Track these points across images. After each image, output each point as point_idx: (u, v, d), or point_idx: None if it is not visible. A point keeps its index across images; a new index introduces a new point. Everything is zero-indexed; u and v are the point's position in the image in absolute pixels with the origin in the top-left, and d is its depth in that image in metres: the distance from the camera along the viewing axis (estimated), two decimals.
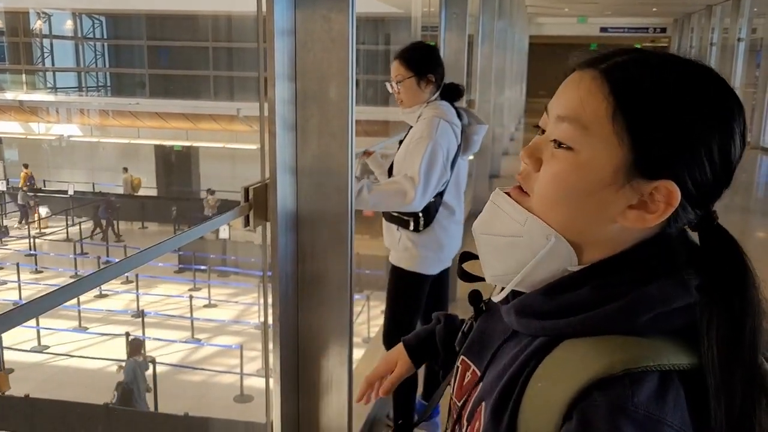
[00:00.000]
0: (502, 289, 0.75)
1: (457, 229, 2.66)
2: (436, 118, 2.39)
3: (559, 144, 0.67)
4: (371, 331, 9.21)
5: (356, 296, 12.88)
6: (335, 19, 1.56)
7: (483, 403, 0.71)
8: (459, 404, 0.80)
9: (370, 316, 9.85)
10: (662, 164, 0.64)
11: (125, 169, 19.13)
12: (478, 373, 0.78)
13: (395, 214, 2.49)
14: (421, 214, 2.44)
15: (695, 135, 0.64)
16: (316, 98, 1.60)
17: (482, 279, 0.80)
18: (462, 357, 0.83)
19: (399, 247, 2.54)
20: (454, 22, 4.07)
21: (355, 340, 5.47)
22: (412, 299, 2.57)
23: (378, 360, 1.09)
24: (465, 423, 0.75)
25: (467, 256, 0.86)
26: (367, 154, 2.69)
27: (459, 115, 2.53)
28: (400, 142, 2.56)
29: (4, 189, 20.39)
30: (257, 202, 1.55)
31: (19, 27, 21.95)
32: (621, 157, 0.64)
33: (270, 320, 1.64)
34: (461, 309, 1.06)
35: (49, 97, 20.62)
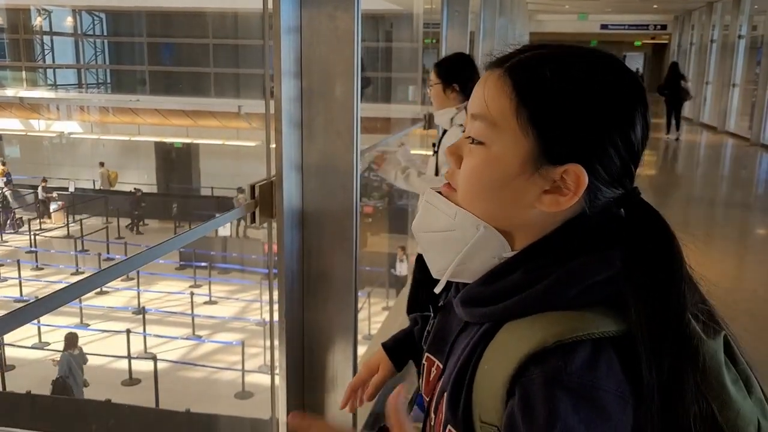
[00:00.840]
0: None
1: None
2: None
3: (473, 140, 0.73)
4: (373, 328, 9.23)
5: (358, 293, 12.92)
6: (341, 17, 1.57)
7: (445, 393, 0.74)
8: (427, 399, 0.83)
9: (371, 312, 9.87)
10: (566, 151, 0.69)
11: (101, 164, 19.32)
12: (441, 367, 0.81)
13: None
14: None
15: (595, 125, 0.69)
16: (322, 96, 1.61)
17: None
18: (426, 354, 0.86)
19: None
20: (455, 20, 4.08)
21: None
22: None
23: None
24: (433, 416, 0.78)
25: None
26: (378, 161, 2.99)
27: None
28: (434, 144, 2.92)
29: (3, 186, 20.41)
30: (263, 200, 1.56)
31: (19, 24, 21.92)
32: (528, 148, 0.69)
33: (275, 317, 1.64)
34: None
35: (49, 94, 20.60)
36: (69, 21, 21.74)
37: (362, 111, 1.64)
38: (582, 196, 0.70)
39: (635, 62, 23.64)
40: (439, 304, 0.89)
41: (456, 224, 0.74)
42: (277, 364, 1.67)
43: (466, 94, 2.74)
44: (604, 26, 22.05)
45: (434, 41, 3.74)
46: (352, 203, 1.66)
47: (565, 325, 0.66)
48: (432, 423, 0.78)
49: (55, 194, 18.07)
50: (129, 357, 10.41)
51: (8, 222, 17.60)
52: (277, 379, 1.69)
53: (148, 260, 1.38)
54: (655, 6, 20.74)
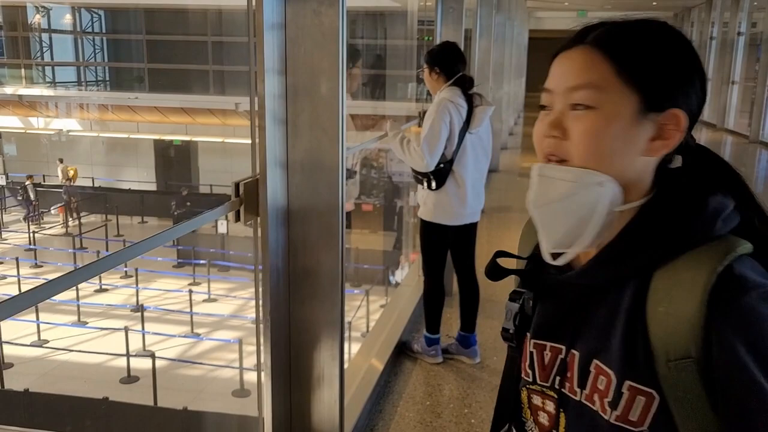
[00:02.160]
0: (556, 257, 0.83)
1: (469, 194, 3.25)
2: (443, 99, 3.11)
3: (579, 108, 0.79)
4: (371, 326, 9.22)
5: (355, 291, 12.91)
6: (325, 13, 1.56)
7: (595, 361, 0.80)
8: (548, 384, 0.87)
9: (369, 310, 9.86)
10: (666, 98, 0.79)
11: (60, 160, 19.39)
12: (560, 347, 0.86)
13: (415, 174, 3.24)
14: (432, 176, 3.16)
15: (682, 74, 0.81)
16: (307, 93, 1.59)
17: (514, 272, 0.93)
18: (533, 341, 0.89)
19: (422, 202, 3.29)
20: (450, 16, 4.06)
21: (354, 334, 5.49)
22: (432, 242, 3.34)
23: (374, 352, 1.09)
24: (578, 390, 0.83)
25: (501, 254, 0.94)
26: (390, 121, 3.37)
27: (472, 98, 3.19)
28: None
29: (4, 183, 20.40)
30: (248, 197, 1.55)
31: (18, 21, 21.88)
32: (635, 101, 0.78)
33: (261, 315, 1.63)
34: (456, 302, 1.06)
35: (48, 92, 20.57)
36: (67, 18, 21.69)
37: (357, 108, 1.62)
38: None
39: None
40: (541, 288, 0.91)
41: (578, 186, 0.79)
42: (263, 362, 1.66)
43: (447, 75, 3.17)
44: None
45: (429, 39, 3.73)
46: (337, 200, 1.65)
47: (727, 247, 0.74)
48: (578, 397, 0.82)
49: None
50: (128, 355, 10.39)
51: (30, 216, 17.54)
52: (263, 377, 1.68)
53: (137, 254, 1.37)
54: (654, 3, 20.70)
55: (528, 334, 0.91)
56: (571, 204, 0.80)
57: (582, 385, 0.82)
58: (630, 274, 0.79)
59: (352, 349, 4.88)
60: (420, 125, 3.59)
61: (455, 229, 3.30)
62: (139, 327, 11.42)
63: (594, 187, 0.79)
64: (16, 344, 11.21)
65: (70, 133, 21.28)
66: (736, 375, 0.70)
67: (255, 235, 1.60)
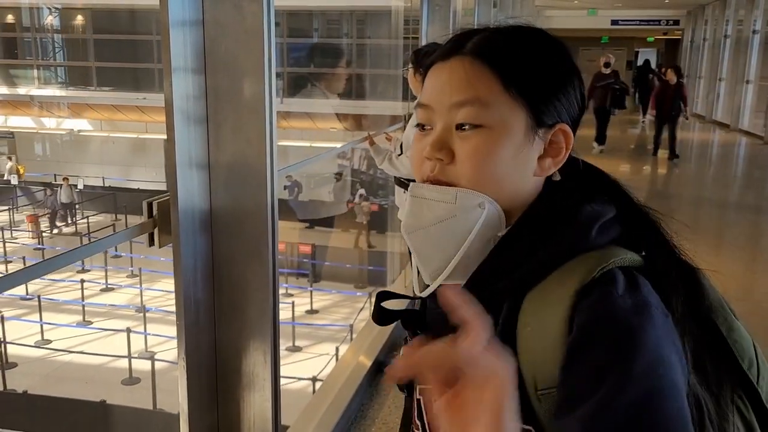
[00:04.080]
0: (425, 287, 0.76)
1: None
2: None
3: (464, 127, 0.72)
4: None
5: (358, 293, 12.77)
6: (248, 8, 1.41)
7: None
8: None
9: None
10: (553, 112, 0.74)
11: (9, 158, 19.71)
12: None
13: (402, 180, 3.18)
14: None
15: (565, 82, 0.76)
16: (229, 95, 1.45)
17: (401, 315, 0.82)
18: (420, 386, 0.80)
19: (402, 204, 3.04)
20: (436, 15, 3.92)
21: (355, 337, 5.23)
22: None
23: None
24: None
25: (385, 295, 0.83)
26: (369, 141, 3.32)
27: None
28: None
29: (16, 183, 20.57)
30: (163, 218, 1.41)
31: (31, 23, 22.08)
32: (523, 118, 0.73)
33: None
34: None
35: (60, 92, 20.71)
36: (80, 19, 21.83)
37: (342, 108, 1.48)
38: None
39: (648, 59, 23.21)
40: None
41: (456, 208, 0.71)
42: (181, 402, 1.51)
43: None
44: (614, 22, 21.57)
45: (415, 38, 3.61)
46: (265, 213, 1.50)
47: (600, 258, 0.68)
48: None
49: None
50: (129, 356, 10.37)
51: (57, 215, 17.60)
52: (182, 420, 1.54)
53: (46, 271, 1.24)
54: (666, 0, 20.37)
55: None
56: (449, 228, 0.72)
57: None
58: (501, 298, 0.71)
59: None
60: (404, 129, 3.52)
61: None
62: (142, 328, 11.38)
63: (474, 210, 0.71)
64: (20, 344, 11.22)
65: (80, 133, 21.42)
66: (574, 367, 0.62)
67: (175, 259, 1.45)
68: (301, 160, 2.80)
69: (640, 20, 22.79)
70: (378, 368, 3.33)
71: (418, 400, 0.80)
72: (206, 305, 1.52)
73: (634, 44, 26.04)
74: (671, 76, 11.32)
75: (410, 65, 3.20)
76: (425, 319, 0.79)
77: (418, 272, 0.78)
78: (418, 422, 0.80)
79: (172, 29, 1.30)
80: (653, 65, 25.33)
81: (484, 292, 0.70)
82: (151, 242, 1.41)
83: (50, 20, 22.12)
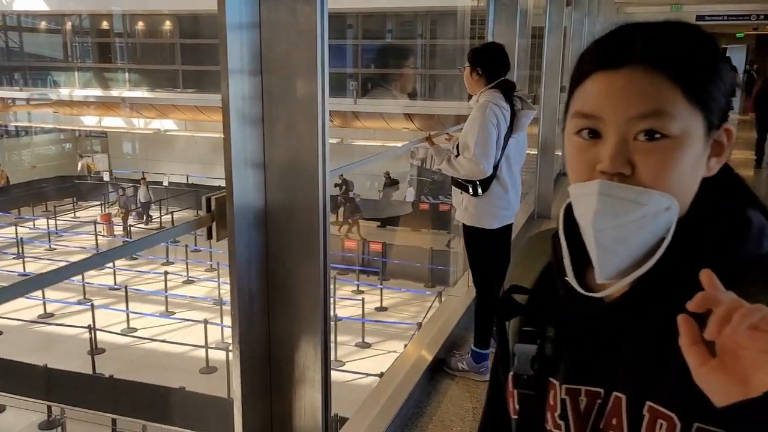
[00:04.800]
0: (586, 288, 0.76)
1: (511, 197, 3.24)
2: (486, 102, 3.04)
3: (651, 136, 0.71)
4: None
5: (427, 292, 12.74)
6: (302, 11, 1.46)
7: (648, 403, 0.72)
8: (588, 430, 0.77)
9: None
10: (723, 114, 0.75)
11: (80, 156, 21.10)
12: (599, 390, 0.77)
13: (460, 180, 3.17)
14: (479, 183, 3.11)
15: (729, 83, 0.75)
16: (283, 96, 1.51)
17: (525, 310, 0.84)
18: (566, 386, 0.79)
19: (461, 207, 3.25)
20: (503, 14, 3.87)
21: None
22: (479, 246, 3.28)
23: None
24: None
25: (516, 289, 0.86)
26: (429, 142, 3.35)
27: (513, 101, 3.14)
28: None
29: (108, 180, 21.76)
30: (220, 213, 1.48)
31: (123, 28, 23.27)
32: (701, 124, 0.73)
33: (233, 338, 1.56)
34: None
35: (148, 94, 21.72)
36: (168, 25, 22.80)
37: (414, 108, 1.51)
38: None
39: (738, 56, 21.98)
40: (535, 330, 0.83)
41: (649, 209, 0.72)
42: (235, 390, 1.58)
43: (488, 78, 3.11)
44: (700, 17, 20.48)
45: (498, 45, 3.57)
46: (318, 210, 1.55)
47: None
48: None
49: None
50: (206, 346, 10.77)
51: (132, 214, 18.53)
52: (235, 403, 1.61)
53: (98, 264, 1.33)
54: None
55: (552, 380, 0.80)
56: (640, 227, 0.72)
57: (637, 427, 0.73)
58: (678, 303, 0.69)
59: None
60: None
61: (496, 231, 3.25)
62: (218, 320, 11.78)
63: (662, 212, 0.72)
64: (108, 331, 11.85)
65: (166, 133, 22.39)
66: None
67: (230, 254, 1.52)
68: (357, 160, 2.85)
69: (728, 15, 21.54)
70: (437, 366, 3.35)
71: (563, 400, 0.79)
72: (260, 297, 1.58)
73: (722, 41, 24.75)
74: None
75: (466, 64, 3.17)
76: (560, 316, 0.81)
77: (572, 270, 0.78)
78: (560, 422, 0.79)
79: (229, 31, 1.36)
80: (743, 63, 24.00)
81: (658, 298, 0.73)
82: (209, 236, 1.49)
83: (141, 26, 23.23)
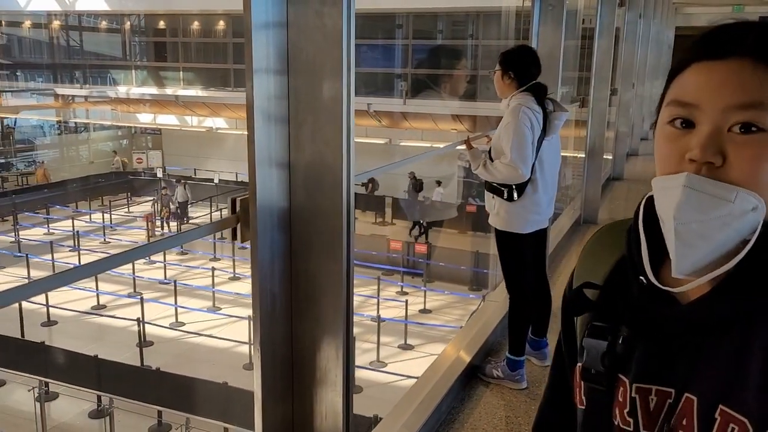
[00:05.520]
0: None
1: (543, 201, 3.18)
2: (518, 105, 3.00)
3: (748, 129, 0.70)
4: None
5: (471, 295, 12.63)
6: (328, 14, 1.45)
7: (721, 406, 0.71)
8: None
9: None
10: None
11: (114, 152, 21.50)
12: (669, 390, 0.76)
13: (494, 185, 3.13)
14: (514, 187, 3.07)
15: None
16: (308, 97, 1.50)
17: (596, 306, 0.83)
18: (636, 385, 0.79)
19: (494, 212, 3.20)
20: (549, 16, 3.79)
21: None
22: (512, 251, 3.23)
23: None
24: None
25: (588, 285, 0.85)
26: (468, 145, 3.25)
27: (546, 104, 3.09)
28: None
29: (161, 176, 22.35)
30: (245, 214, 1.48)
31: (178, 28, 23.85)
32: None
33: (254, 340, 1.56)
34: (557, 323, 0.96)
35: (201, 93, 22.21)
36: (221, 25, 23.27)
37: (462, 109, 1.49)
38: None
39: None
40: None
41: (735, 207, 0.70)
42: (256, 390, 1.59)
43: (520, 81, 3.06)
44: (764, 18, 19.76)
45: (530, 48, 3.50)
46: (342, 213, 1.54)
47: None
48: None
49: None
50: (249, 343, 10.93)
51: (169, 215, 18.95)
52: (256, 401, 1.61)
53: (119, 264, 1.36)
54: None
55: (622, 377, 0.80)
56: (724, 224, 0.71)
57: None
58: (762, 308, 0.69)
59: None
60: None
61: (529, 236, 3.20)
62: None
63: (748, 212, 0.70)
64: (157, 325, 12.15)
65: (218, 131, 22.84)
66: None
67: (252, 255, 1.52)
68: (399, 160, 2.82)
69: None
70: (472, 372, 3.30)
71: (634, 398, 0.79)
72: (282, 299, 1.57)
73: None
74: None
75: (497, 68, 3.11)
76: (633, 314, 0.79)
77: (650, 265, 0.78)
78: (629, 419, 0.79)
79: (254, 31, 1.36)
80: None
81: (739, 301, 0.72)
82: (234, 237, 1.49)
83: (195, 25, 23.77)
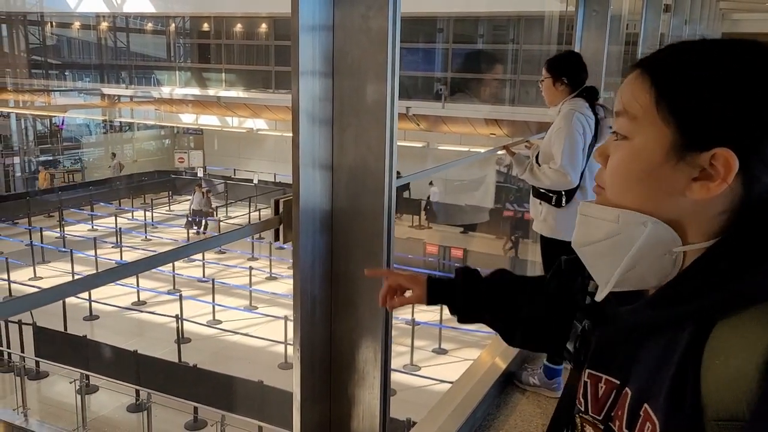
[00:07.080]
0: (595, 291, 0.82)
1: None
2: (571, 110, 2.97)
3: (617, 136, 0.76)
4: None
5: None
6: (374, 18, 1.46)
7: (645, 405, 0.73)
8: (600, 417, 0.82)
9: None
10: (711, 136, 0.68)
11: (114, 154, 21.99)
12: (615, 381, 0.80)
13: (542, 190, 3.08)
14: (564, 193, 3.00)
15: (742, 107, 0.68)
16: (352, 101, 1.51)
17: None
18: (588, 371, 0.84)
19: (540, 218, 3.14)
20: (592, 21, 3.75)
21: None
22: (557, 259, 3.03)
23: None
24: (626, 430, 0.77)
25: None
26: (508, 151, 3.23)
27: (597, 110, 3.06)
28: None
29: (202, 176, 22.73)
30: (288, 215, 1.50)
31: (222, 30, 24.25)
32: (669, 137, 0.71)
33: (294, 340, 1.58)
34: None
35: (242, 94, 22.52)
36: (263, 27, 23.57)
37: (502, 113, 1.51)
38: (737, 182, 0.69)
39: None
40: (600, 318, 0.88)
41: (620, 227, 0.75)
42: (294, 390, 1.60)
43: (573, 87, 3.03)
44: None
45: (576, 53, 3.46)
46: (383, 217, 1.55)
47: None
48: None
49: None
50: (285, 342, 11.03)
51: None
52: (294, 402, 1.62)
53: (159, 264, 1.39)
54: None
55: (584, 361, 0.87)
56: (616, 244, 0.76)
57: (630, 427, 0.76)
58: (687, 318, 0.71)
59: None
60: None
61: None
62: None
63: (637, 227, 0.74)
64: (194, 322, 12.35)
65: (258, 132, 23.12)
66: None
67: (294, 257, 1.54)
68: (433, 165, 2.82)
69: None
70: (508, 378, 3.27)
71: (585, 382, 0.84)
72: (323, 301, 1.59)
73: None
74: None
75: (547, 74, 3.08)
76: (598, 308, 0.85)
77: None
78: (581, 399, 0.85)
79: (301, 34, 1.38)
80: None
81: (666, 310, 0.74)
82: (276, 238, 1.51)
83: (238, 28, 24.13)
